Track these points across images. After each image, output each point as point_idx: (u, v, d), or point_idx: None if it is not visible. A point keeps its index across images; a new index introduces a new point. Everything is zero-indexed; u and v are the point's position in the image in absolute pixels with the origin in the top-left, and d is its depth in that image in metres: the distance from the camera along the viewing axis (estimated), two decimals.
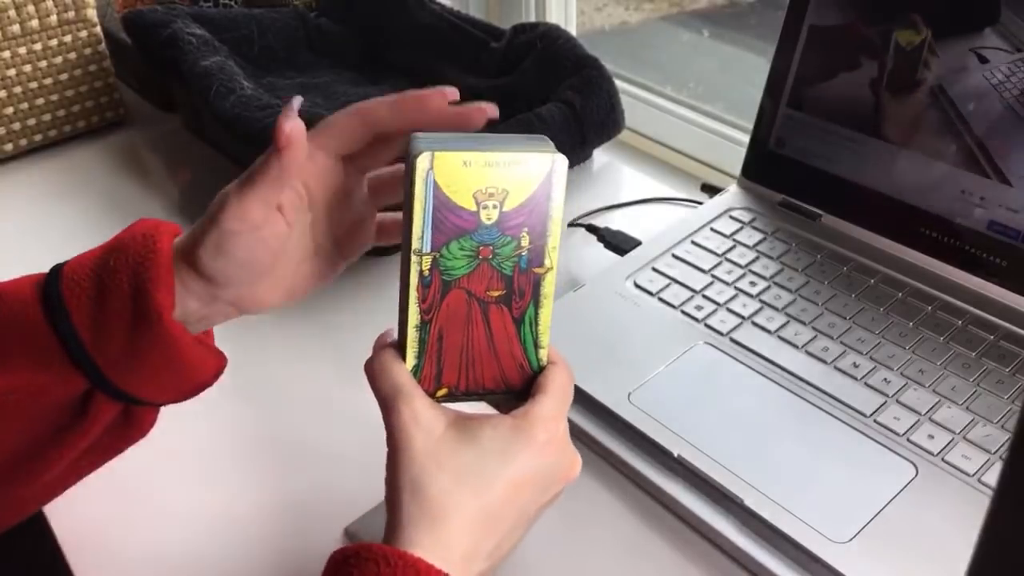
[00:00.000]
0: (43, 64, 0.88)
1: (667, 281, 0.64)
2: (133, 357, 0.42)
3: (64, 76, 0.90)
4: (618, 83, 0.81)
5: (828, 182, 0.67)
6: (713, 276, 0.64)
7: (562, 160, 0.39)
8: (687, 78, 1.02)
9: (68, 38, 0.88)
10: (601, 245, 0.72)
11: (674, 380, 0.57)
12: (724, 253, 0.66)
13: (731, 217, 0.70)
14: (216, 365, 0.45)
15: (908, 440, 0.52)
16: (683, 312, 0.62)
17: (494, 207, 0.39)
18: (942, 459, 0.50)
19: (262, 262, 0.43)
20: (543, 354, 0.42)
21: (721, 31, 1.14)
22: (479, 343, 0.41)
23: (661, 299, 0.63)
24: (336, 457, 0.57)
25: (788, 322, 0.60)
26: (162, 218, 0.44)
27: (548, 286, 0.41)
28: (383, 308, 0.62)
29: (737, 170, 0.73)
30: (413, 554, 0.36)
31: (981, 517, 0.23)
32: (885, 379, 0.55)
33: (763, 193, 0.71)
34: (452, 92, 0.42)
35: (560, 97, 0.78)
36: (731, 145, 0.84)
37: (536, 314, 0.41)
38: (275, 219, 0.42)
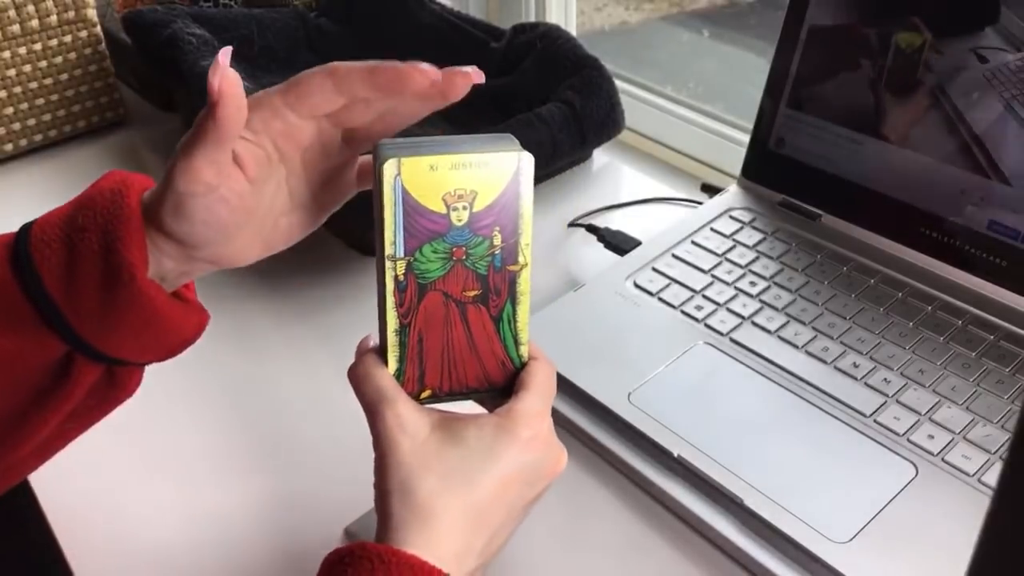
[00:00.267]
0: (43, 64, 0.88)
1: (667, 281, 0.64)
2: (109, 318, 0.40)
3: (64, 76, 0.90)
4: (618, 83, 0.81)
5: (828, 182, 0.67)
6: (713, 276, 0.64)
7: (528, 158, 0.39)
8: (687, 78, 1.02)
9: (68, 38, 0.89)
10: (601, 245, 0.72)
11: (674, 380, 0.57)
12: (724, 253, 0.66)
13: (731, 217, 0.70)
14: (197, 322, 0.44)
15: (908, 440, 0.52)
16: (683, 312, 0.62)
17: (464, 208, 0.39)
18: (942, 459, 0.50)
19: (226, 220, 0.41)
20: (524, 350, 0.43)
21: (721, 31, 1.14)
22: (459, 343, 0.42)
23: (661, 299, 0.63)
24: (336, 457, 0.57)
25: (788, 322, 0.60)
26: None
27: (524, 283, 0.41)
28: None
29: (737, 170, 0.73)
30: (407, 552, 0.36)
31: (981, 517, 0.23)
32: (885, 379, 0.55)
33: (763, 193, 0.71)
34: (433, 71, 0.41)
35: (560, 97, 0.78)
36: (731, 145, 0.84)
37: (514, 311, 0.42)
38: (231, 176, 0.40)
